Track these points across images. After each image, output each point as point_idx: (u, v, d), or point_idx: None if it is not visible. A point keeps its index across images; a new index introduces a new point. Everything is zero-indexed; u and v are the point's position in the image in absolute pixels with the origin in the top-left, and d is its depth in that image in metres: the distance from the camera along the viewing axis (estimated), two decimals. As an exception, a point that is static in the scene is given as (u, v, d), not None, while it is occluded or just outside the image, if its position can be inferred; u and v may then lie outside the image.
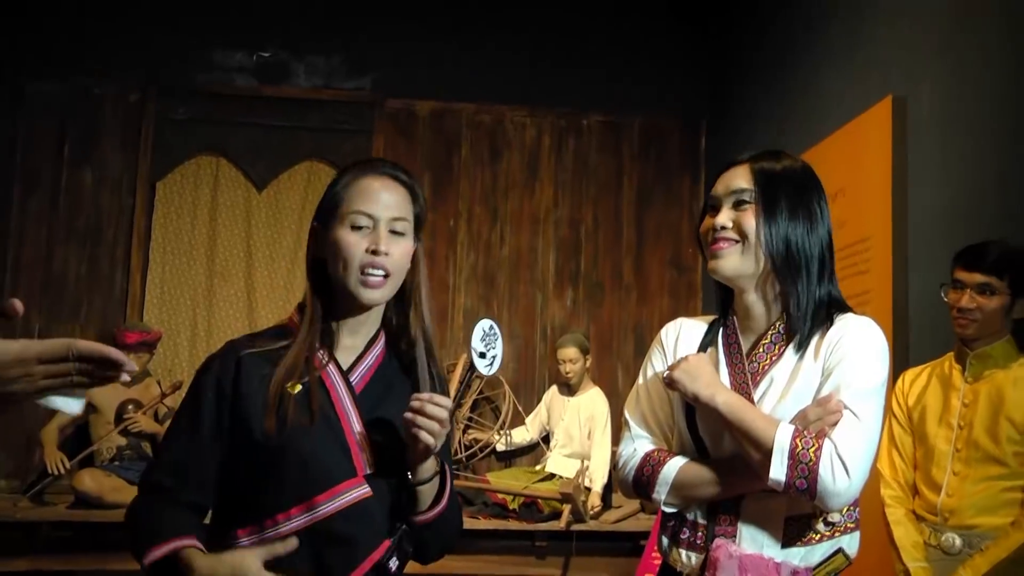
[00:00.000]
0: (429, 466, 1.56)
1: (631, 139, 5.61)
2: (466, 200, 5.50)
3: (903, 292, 3.17)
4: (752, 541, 1.58)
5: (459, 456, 5.10)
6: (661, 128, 5.63)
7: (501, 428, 5.18)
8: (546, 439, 5.11)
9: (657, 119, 5.62)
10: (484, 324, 1.72)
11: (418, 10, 5.45)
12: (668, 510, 1.67)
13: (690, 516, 1.65)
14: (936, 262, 2.80)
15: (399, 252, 1.60)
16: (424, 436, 1.49)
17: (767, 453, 1.50)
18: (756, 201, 1.62)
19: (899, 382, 2.62)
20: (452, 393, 5.14)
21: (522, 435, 5.17)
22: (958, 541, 2.34)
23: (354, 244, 1.58)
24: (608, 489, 4.71)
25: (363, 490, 1.54)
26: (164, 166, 5.31)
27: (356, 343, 1.64)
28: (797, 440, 1.49)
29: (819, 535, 1.58)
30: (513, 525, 4.47)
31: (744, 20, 5.07)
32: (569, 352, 4.91)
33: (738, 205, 1.64)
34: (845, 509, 1.58)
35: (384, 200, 1.61)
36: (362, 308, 1.63)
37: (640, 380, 1.80)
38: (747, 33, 5.00)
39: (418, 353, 1.64)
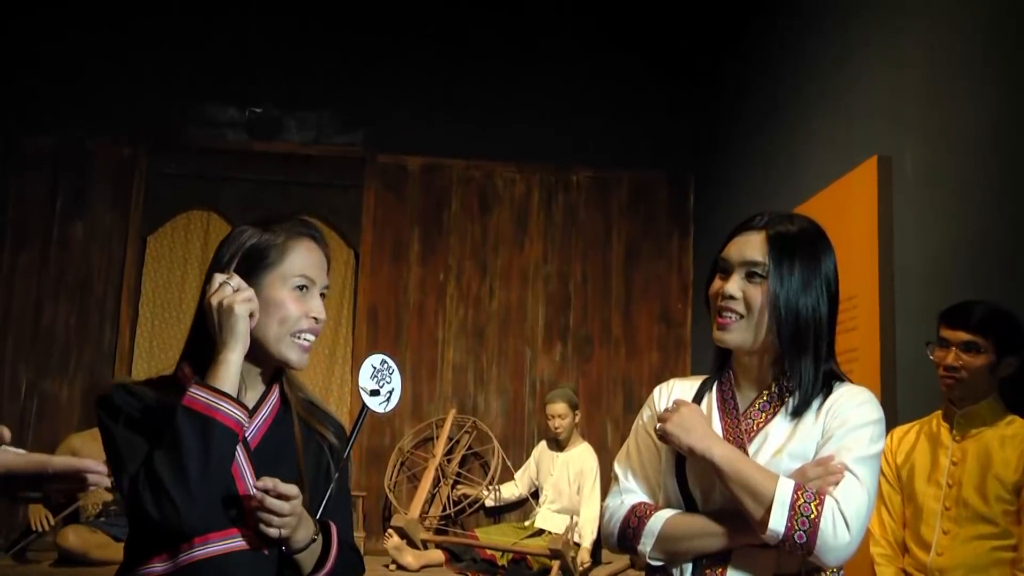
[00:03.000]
0: (301, 536, 1.51)
1: (620, 195, 5.66)
2: (456, 255, 5.52)
3: (890, 350, 3.18)
4: None
5: (448, 512, 5.07)
6: (649, 184, 5.68)
7: (490, 483, 5.15)
8: (535, 495, 5.08)
9: (645, 175, 5.67)
10: (373, 360, 1.68)
11: (409, 67, 5.52)
12: (653, 563, 1.65)
13: (676, 572, 1.63)
14: (923, 319, 2.82)
15: (324, 318, 1.61)
16: (264, 528, 1.46)
17: (767, 505, 1.50)
18: (769, 277, 1.62)
19: (887, 440, 2.61)
20: (439, 449, 5.12)
21: (511, 490, 5.14)
22: (949, 600, 2.33)
23: (293, 305, 1.57)
24: (598, 545, 4.68)
25: (252, 541, 1.50)
26: (155, 220, 5.33)
27: (251, 398, 1.60)
28: (799, 494, 1.50)
29: None
30: (502, 582, 4.45)
31: (731, 78, 5.15)
32: (558, 407, 4.90)
33: (750, 277, 1.64)
34: (832, 571, 1.58)
35: (322, 267, 1.62)
36: (268, 367, 1.62)
37: (631, 437, 1.81)
38: (734, 91, 5.07)
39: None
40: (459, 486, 5.21)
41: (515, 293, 5.53)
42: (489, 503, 5.15)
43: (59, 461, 1.16)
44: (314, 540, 1.54)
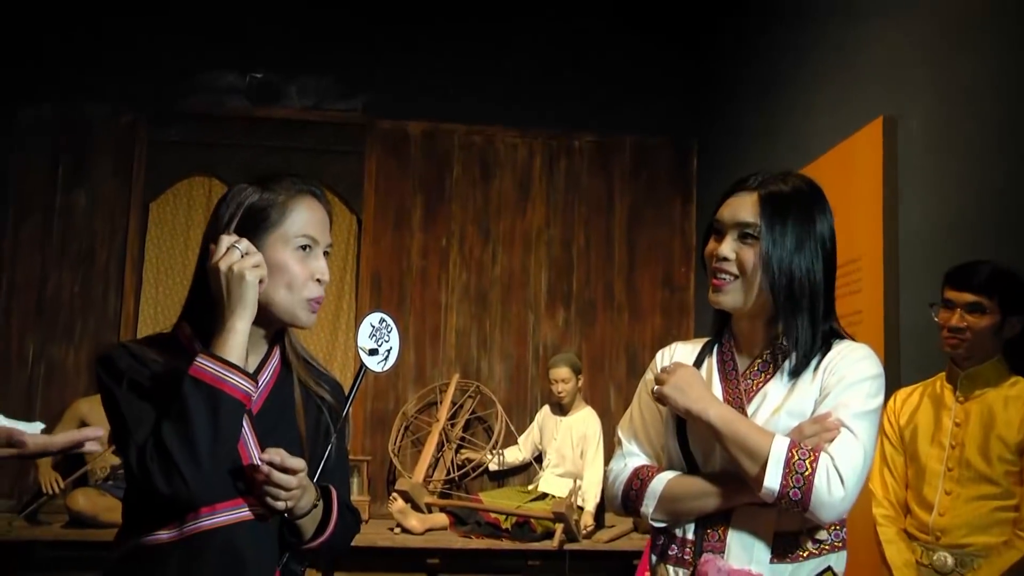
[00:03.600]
0: (305, 502, 1.51)
1: (622, 160, 5.63)
2: (458, 220, 5.51)
3: (894, 312, 3.17)
4: (741, 556, 1.58)
5: (452, 476, 5.09)
6: (652, 148, 5.65)
7: (494, 448, 5.17)
8: (539, 459, 5.10)
9: (648, 140, 5.64)
10: (372, 318, 1.65)
11: (410, 32, 5.47)
12: (656, 525, 1.67)
13: (678, 532, 1.65)
14: (927, 281, 2.81)
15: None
16: (270, 501, 1.47)
17: (762, 463, 1.51)
18: (761, 238, 1.60)
19: (891, 401, 2.63)
20: (443, 414, 5.14)
21: (515, 455, 5.17)
22: (950, 560, 2.34)
23: (299, 266, 1.54)
24: (601, 508, 4.71)
25: (256, 509, 1.50)
26: (157, 188, 5.31)
27: (252, 362, 1.57)
28: (793, 451, 1.51)
29: (807, 552, 1.58)
30: (506, 545, 4.48)
31: (734, 41, 5.10)
32: (561, 372, 4.91)
33: (743, 238, 1.63)
34: (832, 528, 1.59)
35: (325, 225, 1.60)
36: (270, 329, 1.60)
37: (635, 400, 1.81)
38: (737, 54, 5.02)
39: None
40: (463, 450, 5.24)
41: (518, 258, 5.52)
42: (493, 467, 5.18)
43: (60, 440, 1.17)
44: (316, 505, 1.55)
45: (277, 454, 1.44)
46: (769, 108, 4.49)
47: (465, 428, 5.31)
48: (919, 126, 3.12)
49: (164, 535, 1.46)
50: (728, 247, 1.64)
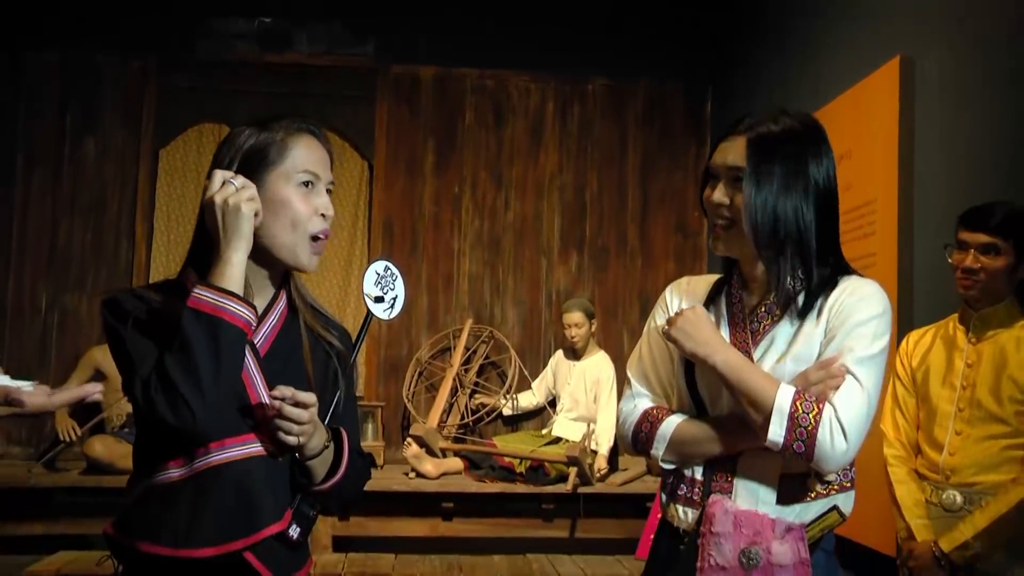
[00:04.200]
0: (315, 443, 1.52)
1: (635, 105, 5.60)
2: (470, 166, 5.50)
3: (908, 255, 3.17)
4: (748, 498, 1.60)
5: (466, 421, 5.15)
6: (666, 93, 5.61)
7: (507, 392, 5.22)
8: (552, 403, 5.15)
9: (661, 84, 5.59)
10: (377, 266, 1.64)
11: (420, -26, 5.42)
12: (666, 466, 1.68)
13: (688, 473, 1.66)
14: (942, 224, 2.80)
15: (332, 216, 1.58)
16: (282, 436, 1.47)
17: (766, 414, 1.51)
18: (744, 179, 1.58)
19: (903, 343, 2.63)
20: (457, 359, 5.18)
21: (528, 399, 5.21)
22: (959, 498, 2.36)
23: (302, 203, 1.54)
24: (614, 452, 4.76)
25: (267, 446, 1.50)
26: (167, 135, 5.32)
27: (258, 304, 1.55)
28: (797, 403, 1.50)
29: (814, 493, 1.60)
30: (520, 488, 4.53)
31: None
32: (574, 317, 4.93)
33: (734, 181, 1.61)
34: (841, 469, 1.60)
35: (326, 162, 1.58)
36: (276, 271, 1.59)
37: (643, 338, 1.81)
38: (752, -5, 4.96)
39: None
40: (477, 395, 5.29)
41: (530, 204, 5.52)
42: (507, 412, 5.22)
43: (57, 399, 1.19)
44: (327, 447, 1.55)
45: (288, 390, 1.45)
46: (784, 51, 4.44)
47: (479, 373, 5.35)
48: (936, 67, 3.08)
49: (175, 472, 1.46)
50: (721, 192, 1.63)
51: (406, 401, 5.25)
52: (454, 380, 5.19)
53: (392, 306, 1.65)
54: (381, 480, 4.50)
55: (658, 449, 1.66)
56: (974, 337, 2.43)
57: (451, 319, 5.43)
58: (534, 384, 5.24)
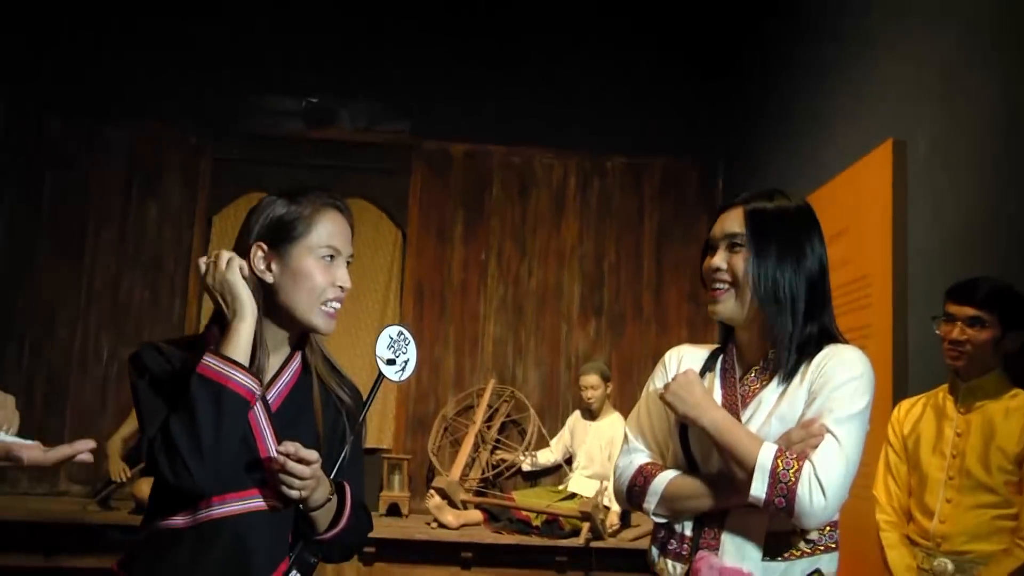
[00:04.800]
0: (319, 496, 1.50)
1: (652, 180, 5.59)
2: (496, 235, 5.50)
3: (902, 326, 3.09)
4: (734, 554, 1.55)
5: (487, 475, 5.07)
6: (680, 170, 5.60)
7: (526, 449, 5.15)
8: (569, 461, 5.06)
9: (676, 162, 5.59)
10: (391, 330, 1.63)
11: (453, 60, 5.50)
12: (657, 520, 1.65)
13: (678, 528, 1.62)
14: (934, 298, 2.72)
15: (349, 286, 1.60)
16: (285, 489, 1.45)
17: (749, 470, 1.48)
18: (746, 245, 1.60)
19: (895, 411, 2.56)
20: (479, 417, 5.13)
21: (546, 456, 5.14)
22: (950, 566, 2.26)
23: (322, 274, 1.55)
24: (627, 509, 4.65)
25: (271, 501, 1.50)
26: (219, 202, 5.39)
27: (273, 363, 1.58)
28: (779, 460, 1.48)
29: (799, 552, 1.55)
30: (536, 541, 4.46)
31: (756, 67, 5.05)
32: (591, 379, 4.88)
33: (732, 248, 1.63)
34: (826, 529, 1.55)
35: (345, 236, 1.60)
36: (294, 332, 1.59)
37: (642, 399, 1.79)
38: (759, 79, 4.97)
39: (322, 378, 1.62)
40: (498, 451, 5.22)
41: (552, 272, 5.50)
42: (526, 467, 5.15)
43: (52, 456, 1.21)
44: (329, 499, 1.53)
45: (292, 446, 1.43)
46: (787, 132, 4.44)
47: (500, 430, 5.29)
48: (927, 148, 3.05)
49: (179, 521, 1.47)
50: (720, 258, 1.65)
51: (431, 455, 5.19)
52: (476, 436, 5.13)
53: (403, 369, 1.64)
54: (405, 528, 4.47)
55: (650, 503, 1.63)
56: (963, 407, 2.35)
57: (475, 379, 5.39)
58: (552, 442, 5.16)
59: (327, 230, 1.56)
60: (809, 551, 1.54)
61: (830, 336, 1.62)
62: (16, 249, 5.24)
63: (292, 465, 1.43)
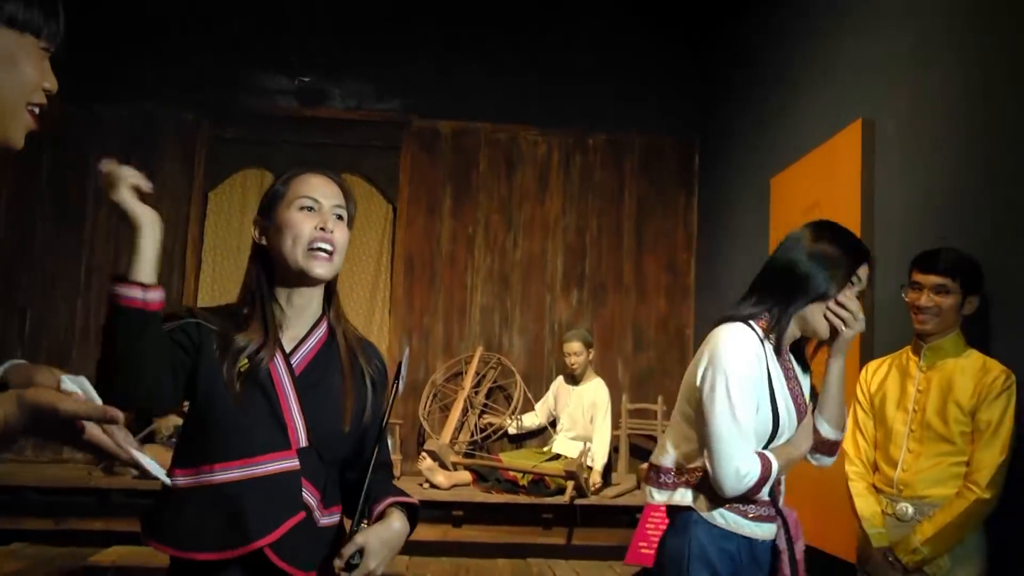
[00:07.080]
0: (383, 555, 1.64)
1: (632, 156, 5.68)
2: (483, 209, 5.58)
3: (870, 294, 3.20)
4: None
5: (475, 438, 5.17)
6: (659, 146, 5.69)
7: (513, 413, 5.25)
8: (553, 423, 5.16)
9: (655, 138, 5.68)
10: (404, 359, 1.70)
11: (442, 40, 5.55)
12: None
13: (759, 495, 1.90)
14: (900, 267, 2.84)
15: (341, 234, 1.60)
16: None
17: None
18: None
19: (863, 372, 2.67)
20: (468, 383, 5.22)
21: (532, 420, 5.23)
22: (911, 510, 2.40)
23: (302, 222, 1.57)
24: (608, 468, 4.77)
25: (292, 463, 1.52)
26: (216, 179, 5.42)
27: (299, 328, 1.61)
28: None
29: None
30: (523, 499, 4.55)
31: (731, 50, 5.12)
32: (574, 346, 4.97)
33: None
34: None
35: (325, 190, 1.62)
36: (307, 288, 1.61)
37: (721, 392, 1.85)
38: (735, 62, 5.04)
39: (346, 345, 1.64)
40: (485, 415, 5.31)
41: (537, 244, 5.59)
42: (512, 430, 5.24)
43: (67, 407, 1.03)
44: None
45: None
46: (762, 111, 4.51)
47: (487, 395, 5.39)
48: (894, 128, 3.15)
49: (182, 481, 1.51)
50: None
51: (422, 419, 5.29)
52: (465, 401, 5.22)
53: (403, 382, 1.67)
54: (398, 489, 4.51)
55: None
56: (925, 366, 2.47)
57: (464, 346, 5.48)
58: (537, 406, 5.26)
59: (303, 185, 1.61)
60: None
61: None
62: (17, 226, 5.25)
63: None
